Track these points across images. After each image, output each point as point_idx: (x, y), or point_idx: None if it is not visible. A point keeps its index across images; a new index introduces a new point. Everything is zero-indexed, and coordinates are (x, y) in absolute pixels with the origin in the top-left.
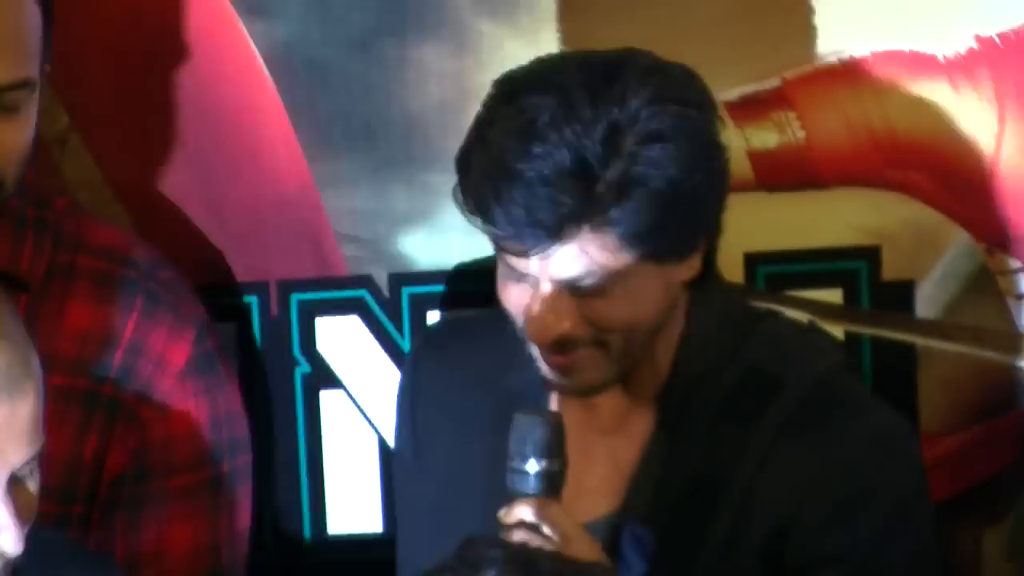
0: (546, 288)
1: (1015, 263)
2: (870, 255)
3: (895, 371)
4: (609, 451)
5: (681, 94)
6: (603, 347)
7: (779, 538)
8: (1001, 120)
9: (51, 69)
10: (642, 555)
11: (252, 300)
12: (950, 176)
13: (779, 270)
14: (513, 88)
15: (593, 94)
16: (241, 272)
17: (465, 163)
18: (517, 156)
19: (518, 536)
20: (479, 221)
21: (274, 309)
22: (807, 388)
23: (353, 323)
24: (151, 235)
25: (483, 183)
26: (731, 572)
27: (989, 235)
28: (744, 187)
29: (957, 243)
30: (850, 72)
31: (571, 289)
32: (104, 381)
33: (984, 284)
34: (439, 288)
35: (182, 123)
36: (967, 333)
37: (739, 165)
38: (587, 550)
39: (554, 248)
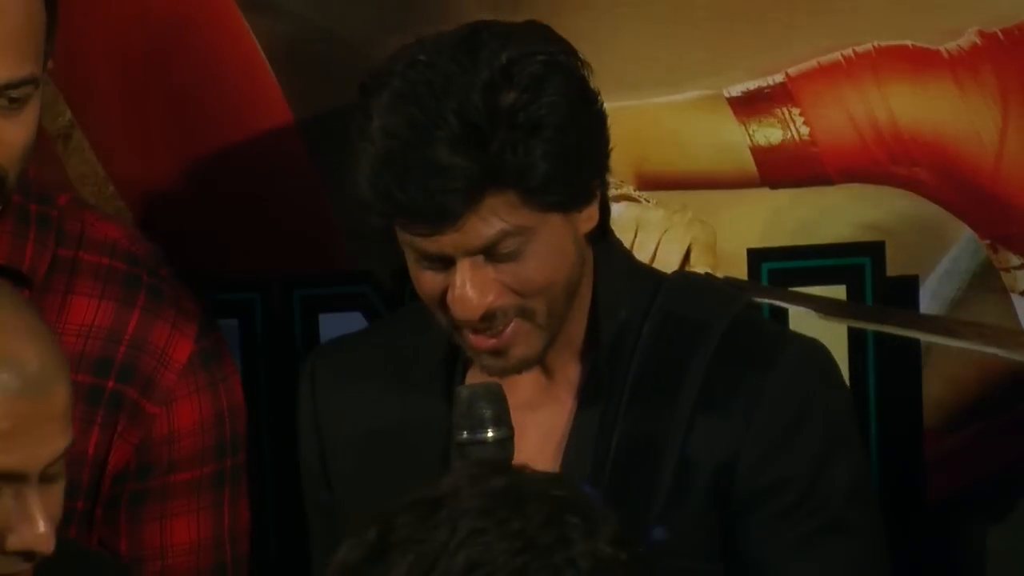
0: (464, 265)
1: (1019, 259)
2: (874, 251)
3: (899, 367)
4: (537, 425)
5: (544, 43)
6: (529, 317)
7: (723, 474)
8: (1005, 116)
9: (54, 65)
10: None
11: (255, 296)
12: (954, 172)
13: (783, 266)
14: (382, 81)
15: (462, 62)
16: (244, 268)
17: (355, 165)
18: (405, 138)
19: None
20: (380, 219)
21: (277, 305)
22: (726, 327)
23: (356, 319)
24: (154, 231)
25: (380, 175)
26: (681, 514)
27: (993, 231)
28: (748, 183)
29: (961, 239)
30: (854, 68)
31: (488, 258)
32: (107, 376)
33: (988, 280)
34: None
35: (184, 119)
36: (971, 329)
37: (743, 161)
38: None
39: (463, 219)
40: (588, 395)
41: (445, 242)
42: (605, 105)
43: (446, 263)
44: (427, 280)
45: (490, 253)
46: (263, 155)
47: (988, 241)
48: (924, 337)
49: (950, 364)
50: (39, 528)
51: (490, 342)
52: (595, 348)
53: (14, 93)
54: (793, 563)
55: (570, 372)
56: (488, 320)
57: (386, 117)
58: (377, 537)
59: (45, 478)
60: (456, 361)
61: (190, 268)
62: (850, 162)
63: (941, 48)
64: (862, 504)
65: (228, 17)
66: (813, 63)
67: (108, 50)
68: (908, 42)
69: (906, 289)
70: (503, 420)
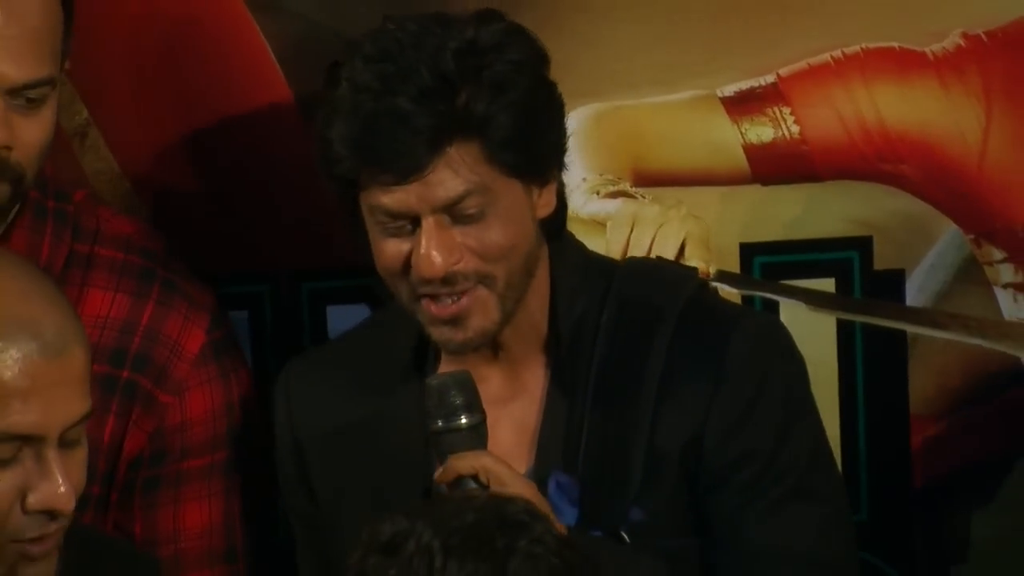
0: (429, 225)
1: (1001, 253)
2: (862, 246)
3: (886, 358)
4: (510, 417)
5: (506, 24)
6: (488, 284)
7: (690, 452)
8: (988, 115)
9: (71, 66)
10: (569, 500)
11: (264, 289)
12: (939, 169)
13: (774, 260)
14: (358, 45)
15: (432, 29)
16: (254, 261)
17: (323, 125)
18: (376, 89)
19: (457, 491)
20: (349, 174)
21: (286, 297)
22: (680, 311)
23: (361, 312)
24: (167, 226)
25: (345, 125)
26: (655, 495)
27: (977, 226)
28: (740, 180)
29: (946, 234)
30: (842, 69)
31: (452, 220)
32: (122, 366)
33: (972, 274)
34: None
35: (196, 117)
36: (956, 321)
37: (736, 158)
38: (526, 490)
39: (428, 168)
40: (555, 387)
41: (409, 197)
42: (603, 104)
43: (410, 226)
44: (390, 249)
45: (454, 214)
46: (272, 153)
47: (972, 236)
48: (910, 329)
49: (936, 355)
50: (59, 487)
51: (449, 309)
52: (558, 339)
53: (32, 93)
54: (762, 530)
55: (536, 365)
56: (449, 284)
57: (356, 76)
58: None
59: (65, 443)
60: (427, 355)
61: (202, 262)
62: (839, 160)
63: (927, 49)
64: (824, 470)
65: (238, 18)
66: (803, 64)
67: (122, 51)
68: (895, 44)
69: (893, 282)
70: (475, 406)
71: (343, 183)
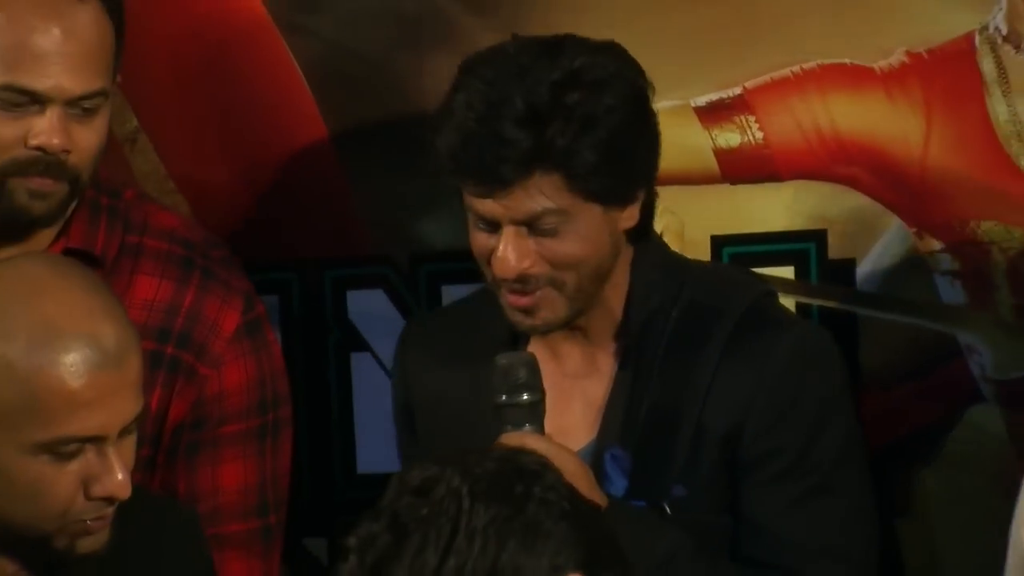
0: (508, 232)
1: (940, 244)
2: (818, 238)
3: (839, 337)
4: (582, 392)
5: (617, 60)
6: (558, 287)
7: (731, 441)
8: (928, 123)
9: (122, 79)
10: (622, 472)
11: (292, 276)
12: (885, 171)
13: (741, 250)
14: (473, 63)
15: (540, 57)
16: (283, 252)
17: (436, 126)
18: (480, 112)
19: None
20: (451, 179)
21: (311, 284)
22: (740, 315)
23: (378, 296)
24: (206, 220)
25: (451, 137)
26: (697, 475)
27: (918, 221)
28: (711, 180)
29: (891, 228)
30: (801, 82)
31: (530, 231)
32: (167, 343)
33: (914, 262)
34: (451, 266)
35: (232, 125)
36: (901, 304)
37: (707, 161)
38: (574, 467)
39: (511, 189)
40: (624, 369)
41: (496, 207)
42: None
43: (495, 227)
44: (479, 239)
45: (532, 226)
46: (299, 157)
47: (915, 229)
48: (860, 311)
49: (883, 334)
50: (118, 478)
51: (522, 301)
52: (631, 329)
53: (87, 104)
54: (786, 518)
55: (610, 349)
56: (522, 282)
57: (468, 93)
58: (390, 523)
59: (122, 433)
60: (518, 336)
61: (237, 252)
62: (797, 162)
63: (875, 65)
64: (851, 469)
65: (270, 39)
66: (766, 78)
67: (168, 66)
68: (847, 60)
69: (845, 270)
70: (536, 386)
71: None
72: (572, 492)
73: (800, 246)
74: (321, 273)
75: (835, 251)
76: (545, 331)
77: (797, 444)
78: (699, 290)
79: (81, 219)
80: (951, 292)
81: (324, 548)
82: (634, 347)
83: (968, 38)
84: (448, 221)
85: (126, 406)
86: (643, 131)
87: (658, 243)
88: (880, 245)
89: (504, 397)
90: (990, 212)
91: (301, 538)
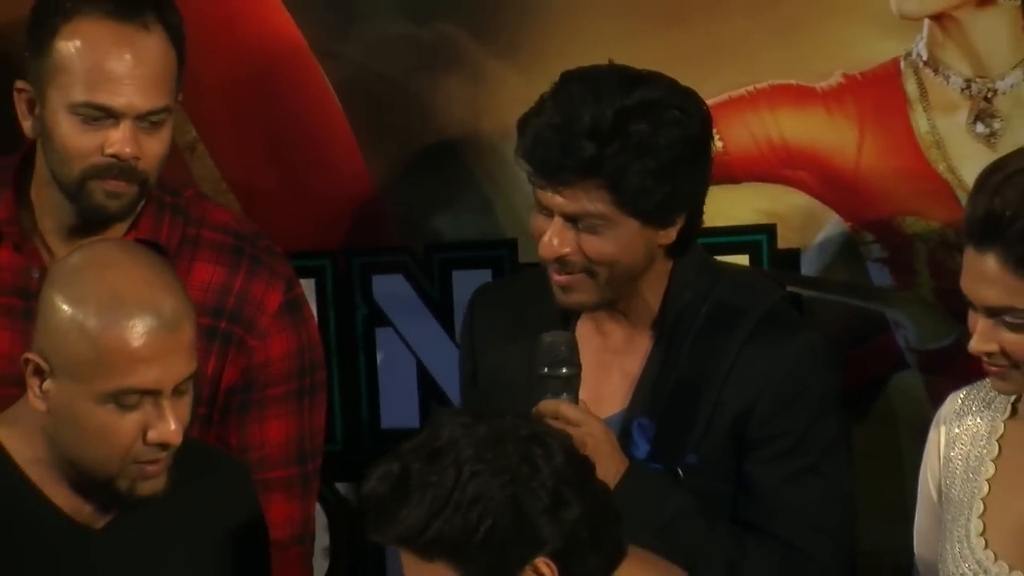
0: (557, 221)
1: (871, 236)
2: (768, 231)
3: None
4: (619, 365)
5: (687, 104)
6: (591, 275)
7: (741, 421)
8: (861, 134)
9: (183, 97)
10: (646, 438)
11: (325, 262)
12: (825, 174)
13: (705, 241)
14: (568, 77)
15: (620, 85)
16: (318, 242)
17: (525, 121)
18: (554, 118)
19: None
20: (524, 164)
21: (342, 269)
22: (759, 316)
23: (398, 280)
24: (254, 216)
25: (530, 135)
26: (709, 446)
27: (853, 217)
28: None
29: (831, 222)
30: (755, 99)
31: (574, 224)
32: (221, 319)
33: (850, 251)
34: (460, 254)
35: (275, 136)
36: (838, 287)
37: None
38: (601, 433)
39: (566, 189)
40: (656, 352)
41: (552, 199)
42: None
43: (550, 215)
44: (537, 222)
45: (577, 221)
46: (332, 163)
47: (850, 224)
48: (805, 292)
49: (823, 311)
50: (170, 426)
51: (560, 279)
52: (667, 318)
53: (154, 118)
54: (780, 491)
55: (647, 333)
56: (561, 264)
57: (554, 102)
58: (398, 478)
59: (176, 393)
60: (569, 315)
61: (279, 243)
62: (751, 167)
63: (816, 86)
64: (839, 457)
65: (307, 63)
66: (725, 96)
67: (221, 86)
68: (793, 81)
69: (792, 258)
70: (574, 361)
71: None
72: (568, 444)
73: (753, 238)
74: (350, 260)
75: (783, 242)
76: (579, 309)
77: (796, 430)
78: (727, 290)
79: (149, 214)
80: (880, 276)
81: (354, 492)
82: (668, 333)
83: (895, 62)
84: (457, 217)
85: (179, 366)
86: (692, 171)
87: (697, 247)
88: (821, 237)
89: (546, 369)
90: (913, 209)
91: (334, 483)
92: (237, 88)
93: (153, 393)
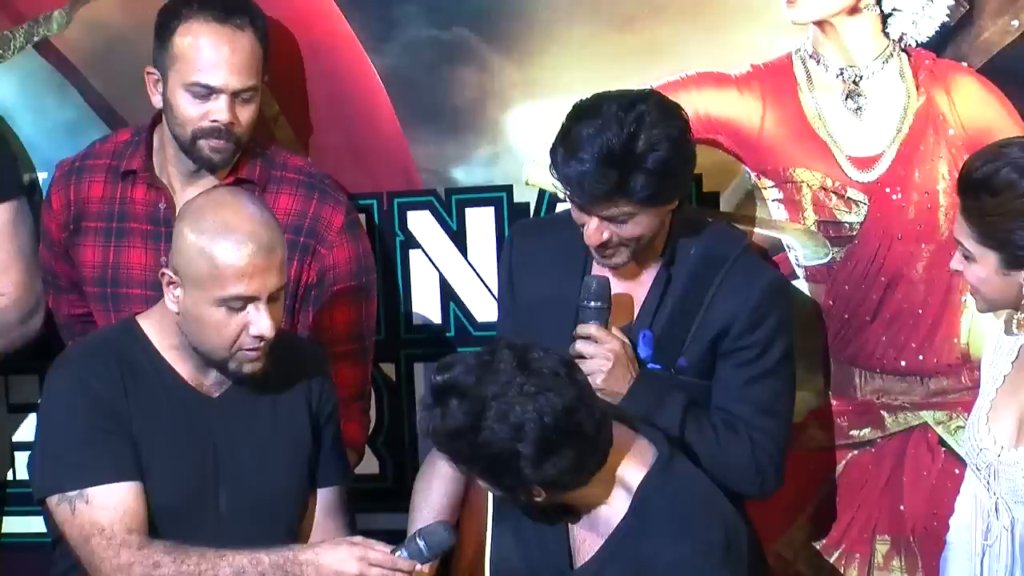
0: (594, 222)
1: (770, 183)
2: (697, 179)
3: None
4: (630, 290)
5: (674, 118)
6: (626, 246)
7: (719, 336)
8: (764, 109)
9: (268, 79)
10: (648, 346)
11: (373, 202)
12: (738, 138)
13: None
14: (579, 113)
15: (621, 118)
16: (367, 186)
17: (554, 154)
18: (578, 153)
19: (580, 343)
20: (562, 190)
21: (385, 206)
22: (734, 258)
23: (426, 215)
24: (322, 166)
25: (563, 166)
26: (695, 352)
27: (758, 168)
28: None
29: (742, 172)
30: (686, 83)
31: (608, 221)
32: (300, 235)
33: (755, 194)
34: (471, 196)
35: (336, 110)
36: (747, 220)
37: None
38: (620, 348)
39: (598, 206)
40: (659, 282)
41: (589, 210)
42: (539, 103)
43: (588, 215)
44: (578, 215)
45: (608, 220)
46: (377, 129)
47: (756, 173)
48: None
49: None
50: (267, 323)
51: (602, 252)
52: (667, 259)
53: (246, 95)
54: (745, 386)
55: (654, 268)
56: (603, 248)
57: (574, 135)
58: (440, 384)
59: (271, 299)
60: (590, 258)
61: (340, 186)
62: None
63: (731, 72)
64: (788, 366)
65: (359, 55)
66: (664, 81)
67: (297, 71)
68: (714, 69)
69: (713, 199)
70: (606, 297)
71: None
72: (570, 364)
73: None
74: (391, 200)
75: (707, 187)
76: (615, 268)
77: (759, 346)
78: (711, 239)
79: (244, 162)
80: (777, 212)
81: (393, 370)
82: (668, 271)
83: (789, 56)
84: (469, 169)
85: (273, 279)
86: (685, 166)
87: (690, 207)
88: (734, 183)
89: (584, 302)
90: (800, 163)
91: (377, 363)
92: (308, 74)
93: (253, 299)
